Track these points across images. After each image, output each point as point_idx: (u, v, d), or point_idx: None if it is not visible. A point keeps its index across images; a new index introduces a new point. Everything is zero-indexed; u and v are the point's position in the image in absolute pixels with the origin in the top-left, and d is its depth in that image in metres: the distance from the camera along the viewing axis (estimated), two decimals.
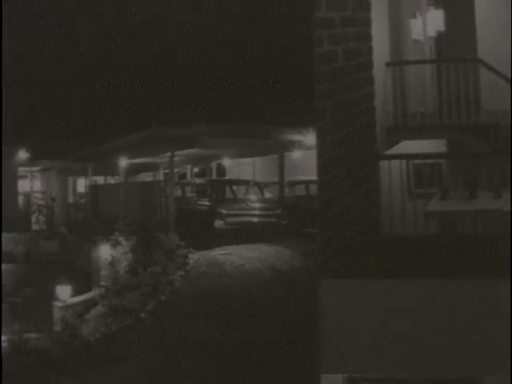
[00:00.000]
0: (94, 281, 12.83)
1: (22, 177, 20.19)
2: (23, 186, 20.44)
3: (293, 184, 13.14)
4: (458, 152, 7.69)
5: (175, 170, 14.14)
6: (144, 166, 17.57)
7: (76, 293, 11.81)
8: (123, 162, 15.36)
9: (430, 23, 7.90)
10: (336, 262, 5.11)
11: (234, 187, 13.71)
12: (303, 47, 5.23)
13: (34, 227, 18.91)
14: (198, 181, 14.77)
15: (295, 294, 6.29)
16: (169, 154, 13.26)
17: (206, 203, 11.85)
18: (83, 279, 13.05)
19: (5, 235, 15.44)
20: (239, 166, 15.09)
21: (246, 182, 13.72)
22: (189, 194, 14.35)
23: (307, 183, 12.45)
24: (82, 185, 21.37)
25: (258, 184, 13.03)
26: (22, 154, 17.99)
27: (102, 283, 11.81)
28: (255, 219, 10.71)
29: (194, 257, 9.56)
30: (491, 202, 6.85)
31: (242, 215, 10.80)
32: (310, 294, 5.21)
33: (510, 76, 7.40)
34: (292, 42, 5.29)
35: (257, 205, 11.29)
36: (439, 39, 8.12)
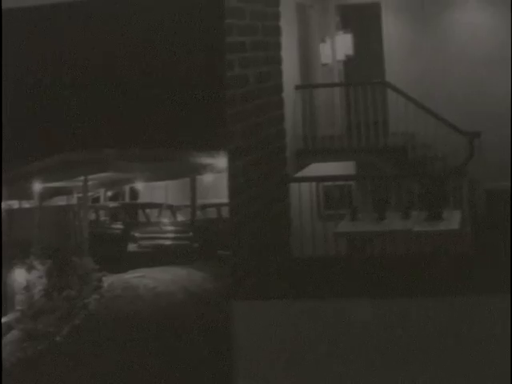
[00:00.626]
0: (9, 305, 12.64)
1: None
2: None
3: (204, 207, 13.18)
4: (367, 174, 7.85)
5: (89, 193, 14.03)
6: (58, 190, 17.36)
7: None
8: (38, 187, 15.16)
9: (338, 47, 8.07)
10: (247, 284, 5.16)
11: (147, 210, 13.66)
12: (215, 71, 5.29)
13: None
14: (111, 205, 14.64)
15: (207, 315, 6.32)
16: (82, 178, 13.18)
17: (120, 227, 11.78)
18: None
19: None
20: (152, 190, 15.05)
21: (158, 206, 13.67)
22: (102, 218, 14.24)
23: (218, 206, 12.52)
24: None
25: (170, 207, 13.01)
26: None
27: (18, 308, 11.67)
28: (168, 242, 10.69)
29: (109, 280, 9.49)
30: (399, 223, 7.02)
31: (155, 238, 10.77)
32: (221, 316, 5.24)
33: (416, 98, 7.61)
34: (203, 65, 5.34)
35: (169, 228, 11.27)
36: (348, 63, 8.30)
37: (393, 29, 8.29)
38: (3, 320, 11.56)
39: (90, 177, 13.23)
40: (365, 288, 5.74)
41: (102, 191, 16.11)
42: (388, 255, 6.88)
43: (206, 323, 6.18)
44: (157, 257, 10.16)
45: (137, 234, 11.43)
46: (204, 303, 6.92)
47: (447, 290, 5.54)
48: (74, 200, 18.22)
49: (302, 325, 4.76)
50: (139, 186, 15.05)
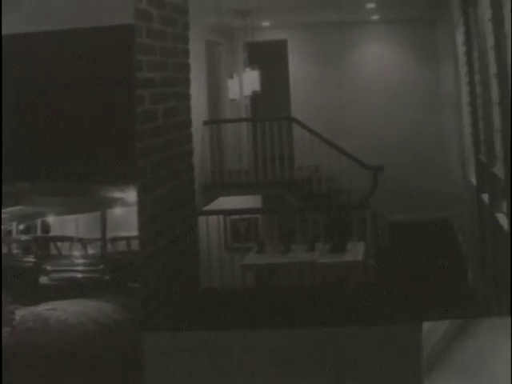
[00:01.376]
0: None
1: None
2: None
3: (115, 240, 13.15)
4: (273, 207, 7.99)
5: (1, 226, 13.82)
6: None
7: None
8: None
9: (246, 83, 8.21)
10: (157, 316, 5.21)
11: (59, 243, 13.54)
12: (125, 106, 5.36)
13: None
14: (23, 238, 14.47)
15: (118, 346, 6.34)
16: None
17: (32, 260, 11.68)
18: None
19: None
20: (63, 223, 14.93)
21: (69, 239, 13.57)
22: (15, 251, 14.05)
23: (129, 239, 12.51)
24: None
25: (81, 240, 12.93)
26: None
27: None
28: (79, 275, 10.63)
29: (21, 313, 9.40)
30: (305, 255, 7.17)
31: (67, 271, 10.70)
32: (132, 347, 5.28)
33: (321, 132, 7.80)
34: (114, 101, 5.41)
35: (80, 261, 11.21)
36: (255, 98, 8.45)
37: (299, 65, 8.49)
38: None
39: (3, 210, 13.07)
40: (272, 318, 5.86)
41: (14, 224, 15.91)
42: (294, 286, 7.00)
43: (116, 354, 6.21)
44: (68, 289, 10.11)
45: (48, 267, 11.33)
46: (114, 335, 6.93)
47: (351, 319, 5.70)
48: None
49: (212, 355, 4.82)
50: (51, 219, 14.93)
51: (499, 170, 6.03)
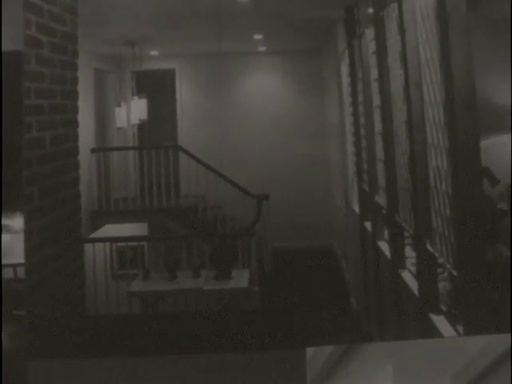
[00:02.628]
0: None
1: None
2: None
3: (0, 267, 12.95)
4: (159, 235, 8.00)
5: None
6: None
7: None
8: None
9: (134, 111, 8.23)
10: (43, 343, 5.15)
11: None
12: (12, 132, 5.32)
13: None
14: None
15: (3, 374, 6.23)
16: None
17: None
18: None
19: None
20: None
21: None
22: None
23: (15, 266, 12.36)
24: None
25: None
26: None
27: None
28: None
29: None
30: (190, 282, 7.20)
31: None
32: (16, 375, 5.19)
33: (207, 161, 7.88)
34: (1, 126, 5.37)
35: None
36: (142, 127, 8.48)
37: (186, 94, 8.56)
38: None
39: None
40: (157, 345, 5.85)
41: None
42: (179, 313, 7.02)
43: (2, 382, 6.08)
44: None
45: None
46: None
47: (236, 346, 5.75)
48: None
49: (97, 383, 4.80)
50: None
51: (381, 198, 6.23)
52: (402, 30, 4.89)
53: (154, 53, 8.45)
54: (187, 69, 8.55)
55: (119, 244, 7.68)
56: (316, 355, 4.73)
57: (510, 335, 4.20)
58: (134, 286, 7.11)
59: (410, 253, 5.52)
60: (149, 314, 7.07)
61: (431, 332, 4.71)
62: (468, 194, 4.29)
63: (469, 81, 4.19)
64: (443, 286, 4.82)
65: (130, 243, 7.74)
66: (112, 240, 7.41)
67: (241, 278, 7.31)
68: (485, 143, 4.44)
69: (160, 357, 5.05)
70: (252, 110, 8.46)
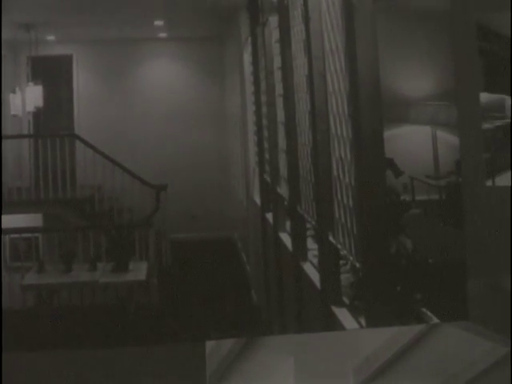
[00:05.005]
0: None
1: None
2: None
3: None
4: (54, 226, 7.81)
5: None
6: None
7: None
8: None
9: (29, 98, 8.00)
10: None
11: None
12: None
13: None
14: None
15: None
16: None
17: None
18: None
19: None
20: None
21: None
22: None
23: None
24: None
25: None
26: None
27: None
28: None
29: None
30: (86, 274, 7.05)
31: None
32: None
33: (105, 151, 7.71)
34: None
35: None
36: (38, 114, 8.25)
37: (84, 81, 8.37)
38: None
39: None
40: (53, 339, 5.70)
41: None
42: (75, 307, 6.87)
43: None
44: None
45: None
46: None
47: (134, 339, 5.64)
48: None
49: None
50: None
51: (283, 189, 6.19)
52: (306, 19, 4.84)
53: (50, 38, 8.23)
54: (85, 55, 8.36)
55: (12, 235, 7.47)
56: (216, 349, 4.65)
57: (412, 328, 4.19)
58: (28, 279, 6.93)
59: (312, 244, 5.49)
60: (43, 307, 6.88)
61: (333, 324, 4.68)
62: (371, 186, 4.27)
63: (373, 71, 4.16)
64: (346, 278, 4.80)
65: (24, 234, 7.54)
66: (5, 231, 7.21)
67: (138, 271, 7.20)
68: (388, 134, 4.43)
69: (54, 351, 4.88)
70: (152, 98, 8.33)
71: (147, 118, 8.29)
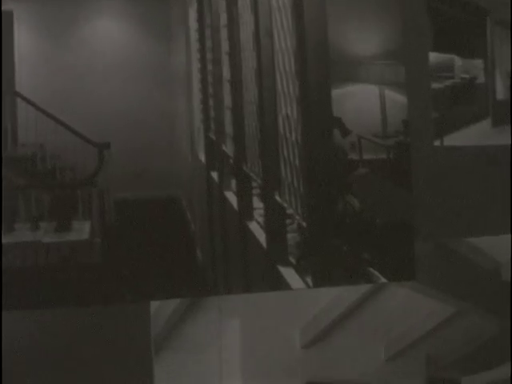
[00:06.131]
0: None
1: None
2: None
3: None
4: None
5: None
6: None
7: None
8: None
9: None
10: None
11: None
12: None
13: None
14: None
15: None
16: None
17: None
18: None
19: None
20: None
21: None
22: None
23: None
24: None
25: None
26: None
27: None
28: None
29: None
30: (29, 234, 6.95)
31: None
32: None
33: (47, 109, 7.58)
34: None
35: None
36: None
37: (26, 39, 8.18)
38: None
39: None
40: None
41: None
42: (18, 267, 6.78)
43: None
44: None
45: None
46: None
47: (78, 300, 5.59)
48: None
49: None
50: None
51: (228, 147, 6.15)
52: None
53: None
54: (26, 11, 8.15)
55: None
56: (160, 309, 4.63)
57: (359, 287, 4.21)
58: None
59: (258, 203, 5.47)
60: None
61: (280, 284, 4.67)
62: (318, 144, 4.25)
63: (321, 29, 4.13)
64: (292, 237, 4.79)
65: None
66: None
67: (82, 230, 7.11)
68: (336, 93, 4.41)
69: None
70: (95, 56, 8.17)
71: (91, 76, 8.15)
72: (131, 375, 4.43)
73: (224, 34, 5.94)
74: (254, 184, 5.48)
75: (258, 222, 5.38)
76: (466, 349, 4.27)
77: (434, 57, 3.92)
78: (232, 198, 5.99)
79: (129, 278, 6.43)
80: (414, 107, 3.82)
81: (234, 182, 6.05)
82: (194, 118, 7.66)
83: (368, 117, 4.67)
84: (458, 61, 4.00)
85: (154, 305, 4.57)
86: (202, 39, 6.89)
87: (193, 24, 7.26)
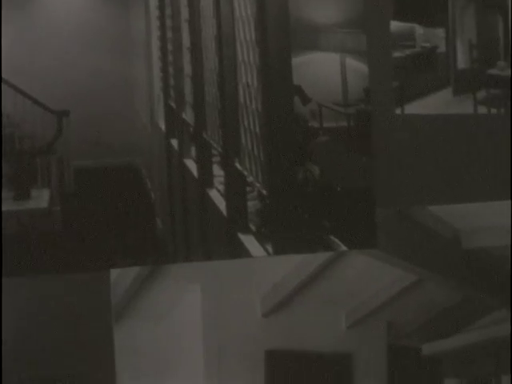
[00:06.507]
0: None
1: None
2: None
3: None
4: None
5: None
6: None
7: None
8: None
9: None
10: None
11: None
12: None
13: None
14: None
15: None
16: None
17: None
18: None
19: None
20: None
21: None
22: None
23: None
24: None
25: None
26: None
27: None
28: None
29: None
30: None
31: None
32: None
33: (3, 76, 7.48)
34: None
35: None
36: None
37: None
38: None
39: None
40: None
41: None
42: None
43: None
44: None
45: None
46: None
47: (36, 268, 5.56)
48: None
49: None
50: None
51: (188, 115, 6.13)
52: None
53: None
54: None
55: None
56: (121, 277, 4.62)
57: (320, 255, 4.22)
58: None
59: (218, 171, 5.46)
60: None
61: (240, 252, 4.69)
62: (278, 112, 4.25)
63: None
64: (252, 205, 4.80)
65: None
66: None
67: (41, 198, 7.06)
68: (296, 61, 4.40)
69: None
70: (53, 24, 8.08)
71: (48, 43, 8.05)
72: (91, 343, 4.43)
73: (184, 0, 5.90)
74: (214, 152, 5.47)
75: (218, 190, 5.38)
76: (427, 316, 4.32)
77: (395, 25, 3.92)
78: (192, 165, 5.97)
79: (88, 246, 6.40)
80: (375, 76, 3.83)
81: (193, 150, 6.04)
82: (154, 85, 7.61)
83: (329, 85, 4.67)
84: (419, 29, 4.01)
85: (114, 273, 4.56)
86: (161, 6, 6.82)
87: None
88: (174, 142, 6.63)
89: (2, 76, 7.58)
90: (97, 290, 4.61)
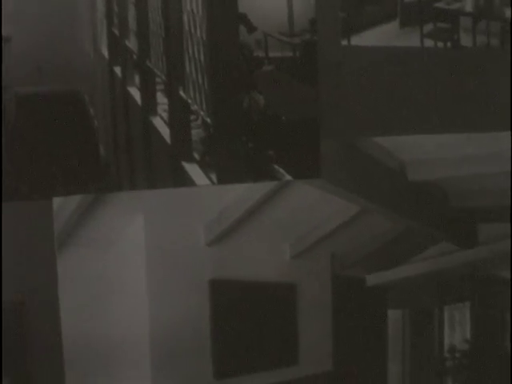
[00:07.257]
0: None
1: None
2: None
3: None
4: None
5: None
6: None
7: None
8: None
9: None
10: None
11: None
12: None
13: None
14: None
15: None
16: None
17: None
18: None
19: None
20: None
21: None
22: None
23: None
24: None
25: None
26: None
27: None
28: None
29: None
30: None
31: None
32: None
33: None
34: None
35: None
36: None
37: None
38: None
39: None
40: None
41: None
42: None
43: None
44: None
45: None
46: None
47: None
48: None
49: None
50: None
51: (132, 42, 6.03)
52: None
53: None
54: None
55: None
56: (63, 205, 4.57)
57: (264, 184, 4.23)
58: None
59: (162, 99, 5.40)
60: None
61: (184, 180, 4.67)
62: (223, 41, 4.20)
63: None
64: (196, 133, 4.77)
65: None
66: None
67: None
68: None
69: None
70: None
71: None
72: (34, 272, 4.40)
73: None
74: (158, 80, 5.40)
75: (162, 118, 5.33)
76: (371, 247, 4.36)
77: None
78: (136, 93, 5.90)
79: (31, 175, 6.31)
80: (322, 6, 3.79)
81: (137, 78, 5.96)
82: (97, 11, 7.44)
83: (275, 14, 4.62)
84: None
85: (57, 201, 4.51)
86: None
87: None
88: (118, 70, 6.53)
89: None
90: (39, 219, 4.56)
